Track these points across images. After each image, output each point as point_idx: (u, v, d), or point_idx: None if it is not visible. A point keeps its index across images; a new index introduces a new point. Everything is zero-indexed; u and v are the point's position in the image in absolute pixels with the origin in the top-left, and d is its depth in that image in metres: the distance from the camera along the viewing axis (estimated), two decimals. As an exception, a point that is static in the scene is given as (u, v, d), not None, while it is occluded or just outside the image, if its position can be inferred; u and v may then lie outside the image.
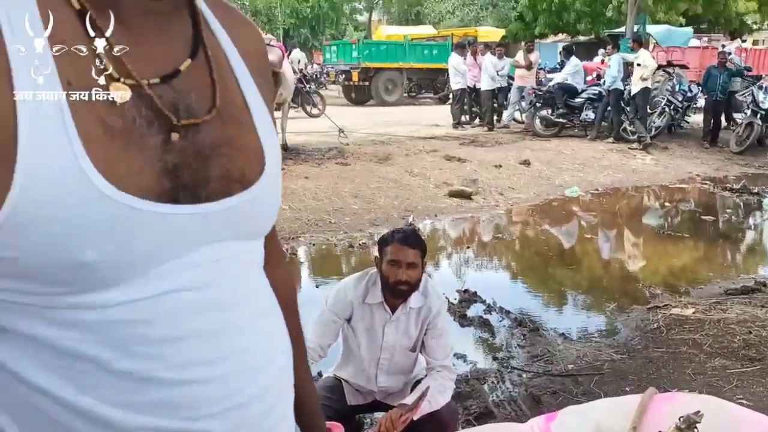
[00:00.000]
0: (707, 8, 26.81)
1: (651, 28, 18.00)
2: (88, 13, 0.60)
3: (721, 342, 3.81)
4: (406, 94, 20.20)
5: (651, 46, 15.84)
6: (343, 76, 18.88)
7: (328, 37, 25.75)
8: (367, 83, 18.69)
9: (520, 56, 12.79)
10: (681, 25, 24.42)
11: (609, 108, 11.20)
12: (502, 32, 23.39)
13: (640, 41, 11.71)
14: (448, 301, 4.40)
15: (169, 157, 0.62)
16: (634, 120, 11.05)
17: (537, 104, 11.89)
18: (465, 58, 13.33)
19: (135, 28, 0.63)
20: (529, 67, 12.54)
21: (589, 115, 11.56)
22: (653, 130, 11.48)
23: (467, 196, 7.62)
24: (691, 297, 4.74)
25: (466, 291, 4.70)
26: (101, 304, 0.61)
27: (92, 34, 0.60)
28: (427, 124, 13.38)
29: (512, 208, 7.59)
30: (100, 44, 0.60)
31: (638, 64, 10.72)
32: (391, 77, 19.11)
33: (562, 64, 15.49)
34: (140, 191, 0.60)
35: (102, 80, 0.59)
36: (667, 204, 8.24)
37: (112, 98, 0.60)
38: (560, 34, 32.36)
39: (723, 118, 12.42)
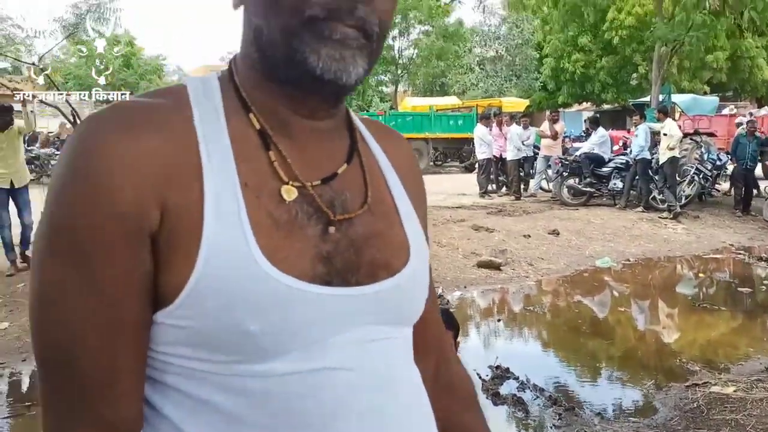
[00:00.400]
0: (732, 76, 27.02)
1: (676, 97, 18.11)
2: (266, 131, 0.74)
3: (766, 423, 3.66)
4: (432, 163, 20.43)
5: (677, 115, 15.90)
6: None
7: (355, 109, 26.31)
8: (393, 153, 18.95)
9: (545, 126, 12.93)
10: (705, 94, 24.58)
11: (637, 177, 11.18)
12: (526, 102, 23.71)
13: (665, 111, 11.74)
14: (480, 377, 4.32)
15: (324, 246, 0.72)
16: (663, 189, 10.99)
17: (564, 173, 11.92)
18: (490, 129, 13.52)
19: (302, 142, 0.77)
20: (554, 137, 12.66)
21: (617, 184, 11.54)
22: (683, 198, 11.39)
23: (496, 267, 7.57)
24: (731, 374, 4.59)
25: (498, 367, 4.59)
26: (264, 373, 0.69)
27: (268, 147, 0.74)
28: (454, 193, 13.47)
29: (542, 279, 7.51)
30: (274, 155, 0.74)
31: (664, 134, 10.75)
32: (417, 147, 19.38)
33: (587, 133, 15.59)
34: (299, 274, 0.69)
35: (274, 183, 0.72)
36: (701, 275, 8.08)
37: (282, 197, 0.72)
38: (584, 103, 32.71)
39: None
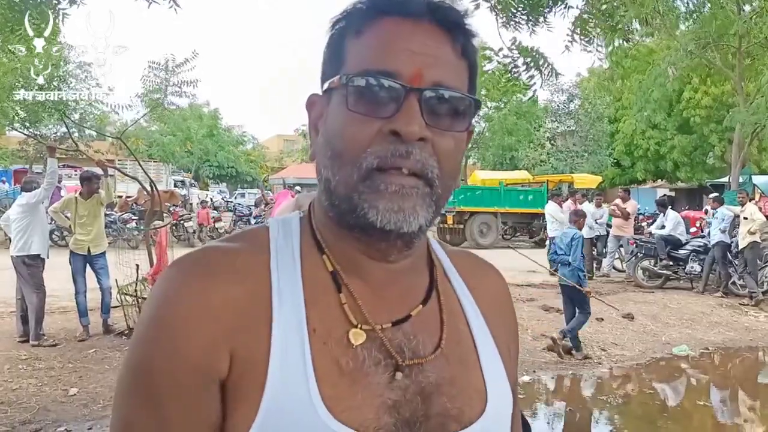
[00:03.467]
0: (816, 156, 26.01)
1: (756, 179, 17.51)
2: (338, 272, 0.74)
3: None
4: (501, 237, 20.26)
5: (757, 197, 15.37)
6: (438, 218, 19.15)
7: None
8: (461, 226, 18.96)
9: (617, 204, 12.70)
10: (788, 174, 23.66)
11: (716, 261, 10.81)
12: (598, 179, 23.33)
13: (747, 194, 11.39)
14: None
15: (391, 395, 0.69)
16: (743, 274, 10.57)
17: (639, 254, 11.63)
18: (561, 207, 13.38)
19: (375, 283, 0.75)
20: (626, 217, 12.39)
21: (694, 267, 11.18)
22: (765, 285, 10.89)
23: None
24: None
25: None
26: None
27: (340, 288, 0.73)
28: (524, 269, 13.25)
29: (616, 366, 7.25)
30: (344, 297, 0.73)
31: (745, 218, 10.41)
32: (485, 221, 19.31)
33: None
34: (361, 425, 0.66)
35: (342, 327, 0.71)
36: (788, 369, 7.65)
37: (350, 341, 0.70)
38: (659, 180, 32.02)
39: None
